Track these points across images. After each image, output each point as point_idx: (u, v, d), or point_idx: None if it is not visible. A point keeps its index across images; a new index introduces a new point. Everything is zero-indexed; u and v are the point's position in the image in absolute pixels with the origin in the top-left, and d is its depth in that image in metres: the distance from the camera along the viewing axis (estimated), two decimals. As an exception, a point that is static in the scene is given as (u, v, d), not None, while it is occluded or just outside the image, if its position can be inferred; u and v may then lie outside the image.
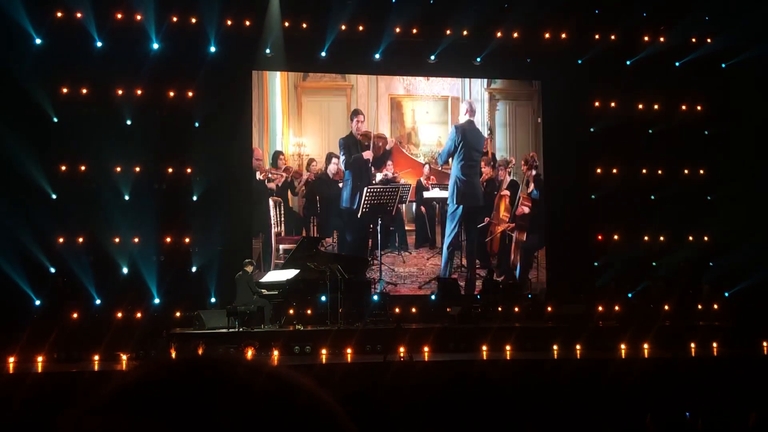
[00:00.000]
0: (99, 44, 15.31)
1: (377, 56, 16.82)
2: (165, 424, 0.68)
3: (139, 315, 13.83)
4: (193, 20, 15.87)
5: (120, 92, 15.36)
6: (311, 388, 0.76)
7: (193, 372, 0.74)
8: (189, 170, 15.81)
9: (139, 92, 15.44)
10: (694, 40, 17.81)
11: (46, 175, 14.85)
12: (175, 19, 15.78)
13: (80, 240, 15.06)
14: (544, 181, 17.63)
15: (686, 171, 17.90)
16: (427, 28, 16.90)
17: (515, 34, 17.20)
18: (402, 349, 11.94)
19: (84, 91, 15.29)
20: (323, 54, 16.53)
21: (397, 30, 16.65)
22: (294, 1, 16.27)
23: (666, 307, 15.21)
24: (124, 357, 12.07)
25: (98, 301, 14.60)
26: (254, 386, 0.73)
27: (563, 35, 17.38)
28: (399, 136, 17.21)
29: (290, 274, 14.11)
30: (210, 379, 0.73)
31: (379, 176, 17.00)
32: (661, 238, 17.46)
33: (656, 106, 17.81)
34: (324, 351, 12.36)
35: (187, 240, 15.72)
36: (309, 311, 14.60)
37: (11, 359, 11.56)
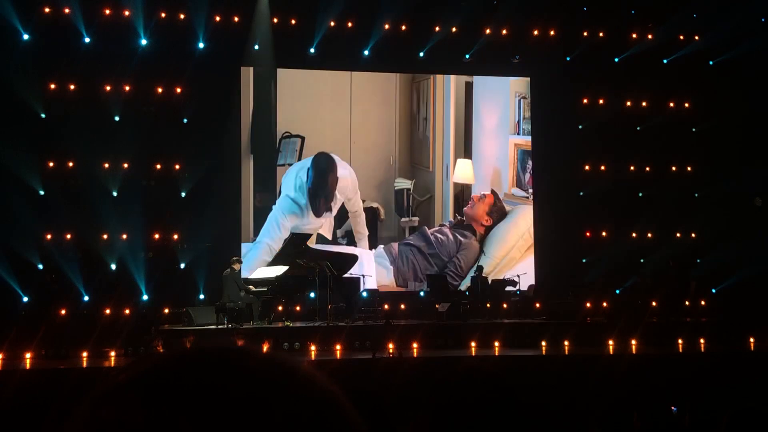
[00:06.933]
0: (87, 40, 15.21)
1: (366, 53, 16.81)
2: (179, 412, 0.69)
3: (127, 312, 13.78)
4: (182, 16, 15.80)
5: (108, 88, 15.25)
6: (321, 380, 0.78)
7: (206, 361, 0.75)
8: (177, 167, 15.74)
9: (127, 88, 15.34)
10: (681, 37, 17.85)
11: (33, 172, 14.77)
12: (163, 15, 15.71)
13: (68, 236, 14.97)
14: (533, 177, 17.67)
15: (674, 168, 17.96)
16: (416, 25, 16.89)
17: (504, 31, 17.21)
18: (391, 346, 11.98)
19: (72, 87, 15.19)
20: (312, 50, 16.51)
21: (386, 26, 16.64)
22: (283, -3, 16.26)
23: (653, 304, 15.29)
24: (112, 354, 12.06)
25: (86, 298, 14.52)
26: (267, 376, 0.74)
27: (552, 32, 17.39)
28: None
29: (279, 270, 14.11)
30: (222, 368, 0.74)
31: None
32: (649, 235, 17.51)
33: (644, 104, 17.85)
34: (313, 348, 12.38)
35: (175, 236, 15.65)
36: (298, 308, 14.61)
37: (-1, 356, 11.53)
